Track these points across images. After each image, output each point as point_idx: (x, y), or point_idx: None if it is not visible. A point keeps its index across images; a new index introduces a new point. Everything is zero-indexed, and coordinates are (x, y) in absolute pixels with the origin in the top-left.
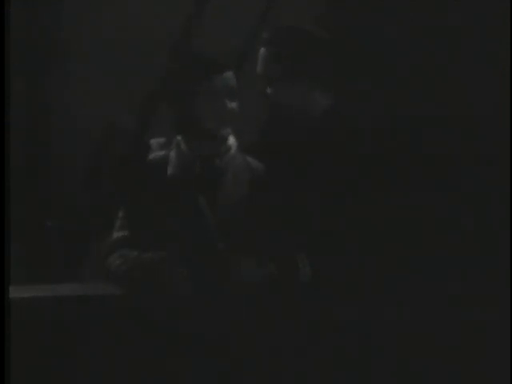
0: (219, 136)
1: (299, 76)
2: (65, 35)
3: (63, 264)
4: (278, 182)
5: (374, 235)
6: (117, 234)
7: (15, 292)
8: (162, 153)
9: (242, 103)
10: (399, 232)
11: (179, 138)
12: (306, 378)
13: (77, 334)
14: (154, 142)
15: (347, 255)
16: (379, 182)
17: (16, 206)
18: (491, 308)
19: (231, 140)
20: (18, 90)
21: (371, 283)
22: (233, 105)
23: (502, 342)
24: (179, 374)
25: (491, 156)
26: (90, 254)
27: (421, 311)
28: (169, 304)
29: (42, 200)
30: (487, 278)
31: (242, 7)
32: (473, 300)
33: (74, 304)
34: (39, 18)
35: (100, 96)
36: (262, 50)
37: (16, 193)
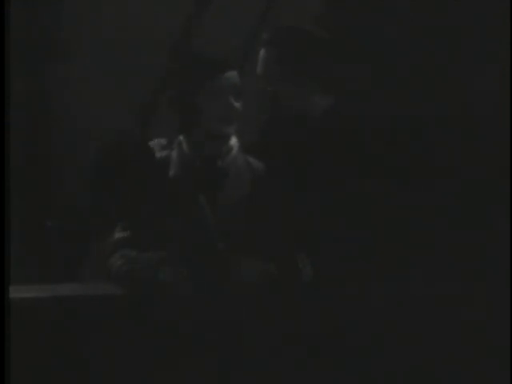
0: (223, 135)
1: (299, 76)
2: (65, 35)
3: (63, 264)
4: (279, 183)
5: (374, 235)
6: (118, 235)
7: (15, 292)
8: (163, 153)
9: (244, 103)
10: (399, 232)
11: (181, 138)
12: (305, 378)
13: (77, 334)
14: (155, 142)
15: (347, 255)
16: (379, 181)
17: (16, 206)
18: (491, 308)
19: (233, 140)
20: (18, 90)
21: (372, 282)
22: (237, 104)
23: (502, 342)
24: (179, 374)
25: (491, 156)
26: (91, 254)
27: (421, 311)
28: (169, 304)
29: (42, 200)
30: (487, 277)
31: (242, 7)
32: (473, 300)
33: (74, 304)
34: (39, 18)
35: (100, 96)
36: (262, 51)
37: (16, 193)
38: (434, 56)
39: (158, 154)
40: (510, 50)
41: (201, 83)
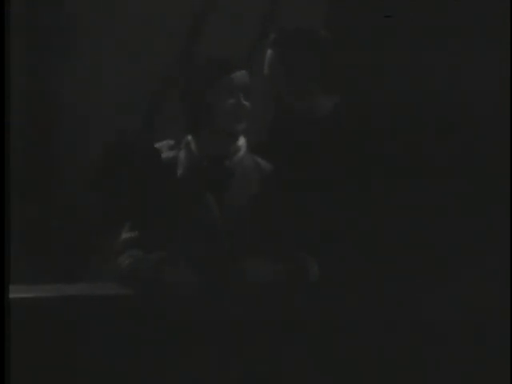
0: (233, 134)
1: (304, 77)
2: (67, 34)
3: (66, 264)
4: (286, 183)
5: (376, 235)
6: (126, 235)
7: (15, 292)
8: (171, 153)
9: (252, 103)
10: (399, 232)
11: (189, 138)
12: (313, 378)
13: (79, 334)
14: (163, 142)
15: (355, 255)
16: (379, 181)
17: (16, 206)
18: (491, 308)
19: (241, 140)
20: (19, 89)
21: (376, 283)
22: (247, 103)
23: (502, 342)
24: (186, 374)
25: (491, 156)
26: (99, 254)
27: (421, 311)
28: (174, 304)
29: (42, 200)
30: (487, 277)
31: (249, 8)
32: (473, 300)
33: (77, 304)
34: (39, 18)
35: (103, 96)
36: (268, 52)
37: (16, 193)
38: (434, 56)
39: (166, 154)
40: (510, 50)
41: (210, 83)
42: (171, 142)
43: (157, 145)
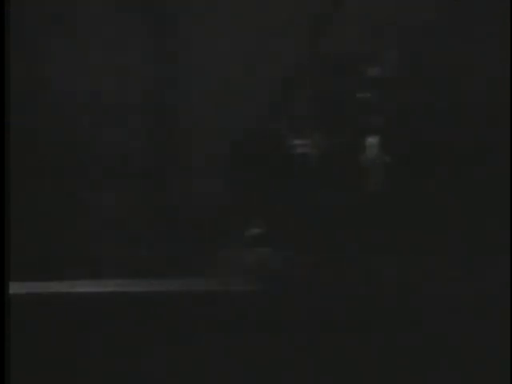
0: (364, 131)
1: (423, 76)
2: (196, 41)
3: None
4: (418, 182)
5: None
6: (252, 231)
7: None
8: (301, 151)
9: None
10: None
11: (319, 136)
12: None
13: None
14: (294, 141)
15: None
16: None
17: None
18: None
19: (372, 138)
20: (147, 90)
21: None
22: (378, 100)
23: (502, 341)
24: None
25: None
26: (226, 250)
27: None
28: (294, 302)
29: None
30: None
31: (373, 7)
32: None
33: (206, 299)
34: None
35: (234, 97)
36: (388, 52)
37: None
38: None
39: (297, 152)
40: (509, 50)
41: (340, 80)
42: (302, 141)
43: (287, 143)
